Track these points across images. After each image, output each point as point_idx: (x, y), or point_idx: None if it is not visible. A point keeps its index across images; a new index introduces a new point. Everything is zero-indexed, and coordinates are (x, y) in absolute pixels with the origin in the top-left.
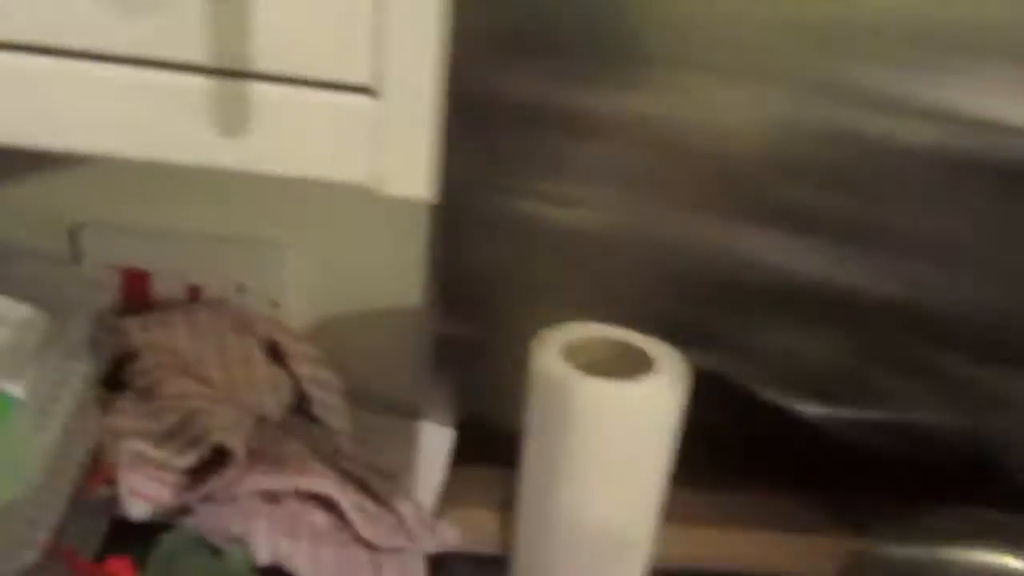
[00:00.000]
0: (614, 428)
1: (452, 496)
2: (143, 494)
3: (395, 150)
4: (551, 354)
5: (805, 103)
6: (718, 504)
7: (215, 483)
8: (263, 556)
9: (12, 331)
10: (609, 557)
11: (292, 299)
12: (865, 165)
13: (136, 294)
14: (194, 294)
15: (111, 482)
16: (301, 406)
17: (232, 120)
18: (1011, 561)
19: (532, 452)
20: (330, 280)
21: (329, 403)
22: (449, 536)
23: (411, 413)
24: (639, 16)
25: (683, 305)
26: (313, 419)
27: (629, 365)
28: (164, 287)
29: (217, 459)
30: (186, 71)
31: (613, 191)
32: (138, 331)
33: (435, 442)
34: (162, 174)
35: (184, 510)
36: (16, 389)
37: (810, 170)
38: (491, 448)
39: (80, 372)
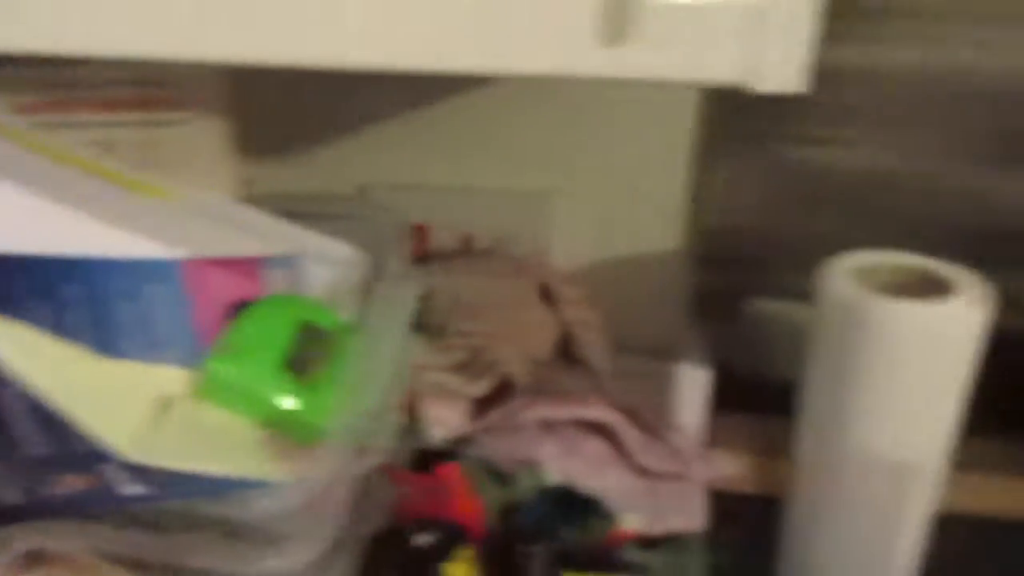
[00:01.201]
0: (913, 351)
1: (711, 440)
2: (443, 421)
3: (774, 44)
4: (842, 277)
5: None
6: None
7: (500, 412)
8: (553, 475)
9: (336, 268)
10: (896, 491)
11: (557, 246)
12: None
13: (417, 246)
14: (467, 244)
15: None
16: (564, 346)
17: (615, 30)
18: None
19: (817, 379)
20: (593, 227)
21: (592, 343)
22: (725, 466)
23: (668, 356)
24: None
25: (950, 253)
26: (574, 359)
27: (925, 290)
28: (440, 238)
29: (498, 393)
30: None
31: (878, 133)
32: (424, 277)
33: (694, 384)
34: (436, 134)
35: (464, 440)
36: (343, 317)
37: None
38: (744, 396)
39: (402, 303)
